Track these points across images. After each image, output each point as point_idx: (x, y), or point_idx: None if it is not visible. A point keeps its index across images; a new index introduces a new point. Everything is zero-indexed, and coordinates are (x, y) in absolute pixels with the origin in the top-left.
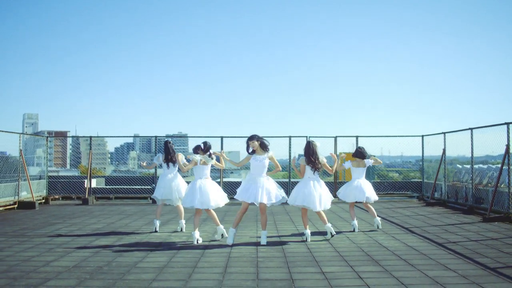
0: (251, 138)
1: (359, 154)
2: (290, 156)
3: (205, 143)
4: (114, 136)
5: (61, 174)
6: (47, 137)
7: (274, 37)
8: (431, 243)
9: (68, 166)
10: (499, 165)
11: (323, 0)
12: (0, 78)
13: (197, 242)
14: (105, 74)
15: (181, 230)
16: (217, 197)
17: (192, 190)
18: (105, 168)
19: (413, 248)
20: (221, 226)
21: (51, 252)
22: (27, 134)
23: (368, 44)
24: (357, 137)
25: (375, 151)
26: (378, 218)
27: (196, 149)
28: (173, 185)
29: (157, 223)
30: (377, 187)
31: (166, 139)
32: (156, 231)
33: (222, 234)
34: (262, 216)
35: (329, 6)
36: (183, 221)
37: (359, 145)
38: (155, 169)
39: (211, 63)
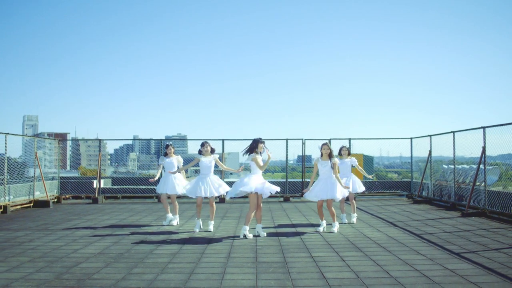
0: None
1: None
2: (287, 157)
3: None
4: (122, 139)
5: (61, 175)
6: (59, 140)
7: (275, 37)
8: (410, 234)
9: (68, 168)
10: (491, 166)
11: (319, 3)
12: (0, 80)
13: (198, 230)
14: (105, 76)
15: (176, 223)
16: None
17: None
18: (104, 170)
19: (393, 238)
20: (212, 222)
21: (76, 242)
22: (40, 137)
23: (364, 46)
24: (349, 139)
25: (375, 152)
26: (345, 215)
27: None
28: (170, 178)
29: (170, 217)
30: (369, 186)
31: (167, 143)
32: (167, 225)
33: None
34: (258, 211)
35: (324, 9)
36: (177, 216)
37: (347, 146)
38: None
39: (211, 65)
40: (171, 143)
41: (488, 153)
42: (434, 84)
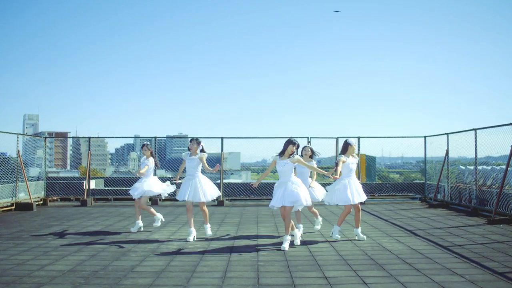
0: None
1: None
2: None
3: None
4: (113, 137)
5: (61, 175)
6: (46, 137)
7: (275, 37)
8: (436, 246)
9: (68, 167)
10: (503, 166)
11: (319, 3)
12: (1, 79)
13: (193, 239)
14: (106, 75)
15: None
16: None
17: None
18: (105, 169)
19: (417, 252)
20: (208, 225)
21: (47, 255)
22: (24, 135)
23: (370, 44)
24: (359, 138)
25: (376, 152)
26: (320, 219)
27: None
28: (145, 180)
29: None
30: (379, 189)
31: (144, 143)
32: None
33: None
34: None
35: (329, 6)
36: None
37: (358, 146)
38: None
39: (212, 63)
40: (147, 142)
41: (492, 153)
42: (434, 84)
